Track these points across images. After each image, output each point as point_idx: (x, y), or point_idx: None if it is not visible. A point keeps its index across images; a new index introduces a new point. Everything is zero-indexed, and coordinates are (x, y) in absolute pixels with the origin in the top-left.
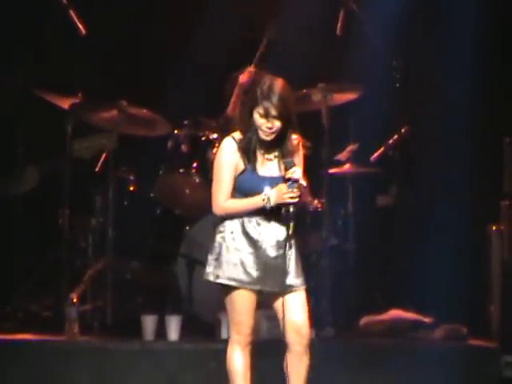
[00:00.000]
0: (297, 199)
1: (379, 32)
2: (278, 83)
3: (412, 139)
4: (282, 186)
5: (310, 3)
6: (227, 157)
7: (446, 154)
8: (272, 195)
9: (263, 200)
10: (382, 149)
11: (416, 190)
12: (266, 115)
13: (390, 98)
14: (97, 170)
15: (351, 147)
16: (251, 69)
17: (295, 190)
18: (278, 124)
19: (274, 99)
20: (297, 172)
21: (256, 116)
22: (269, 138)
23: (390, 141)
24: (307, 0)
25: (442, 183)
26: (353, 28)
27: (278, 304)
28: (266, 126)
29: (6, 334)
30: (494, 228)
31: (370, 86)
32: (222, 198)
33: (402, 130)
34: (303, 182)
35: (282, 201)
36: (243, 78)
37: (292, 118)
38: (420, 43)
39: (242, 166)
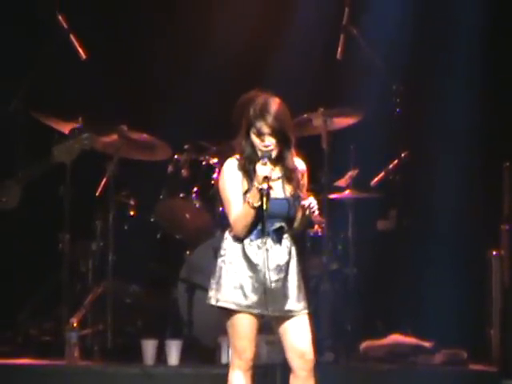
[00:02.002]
0: (269, 171)
1: (379, 57)
2: (272, 101)
3: (412, 164)
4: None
5: (311, 28)
6: (231, 174)
7: (446, 179)
8: (251, 193)
9: (248, 203)
10: (382, 173)
11: (416, 215)
12: (260, 134)
13: (390, 123)
14: (97, 194)
15: (351, 173)
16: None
17: (266, 162)
18: (273, 141)
19: (267, 117)
20: (269, 147)
21: (252, 136)
22: (264, 173)
23: (390, 165)
24: (308, 25)
25: (442, 208)
26: (353, 53)
27: (280, 328)
28: (262, 144)
29: (6, 359)
30: (493, 252)
31: (369, 110)
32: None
33: (402, 155)
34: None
35: (260, 182)
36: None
37: (288, 135)
38: (420, 68)
39: (245, 187)
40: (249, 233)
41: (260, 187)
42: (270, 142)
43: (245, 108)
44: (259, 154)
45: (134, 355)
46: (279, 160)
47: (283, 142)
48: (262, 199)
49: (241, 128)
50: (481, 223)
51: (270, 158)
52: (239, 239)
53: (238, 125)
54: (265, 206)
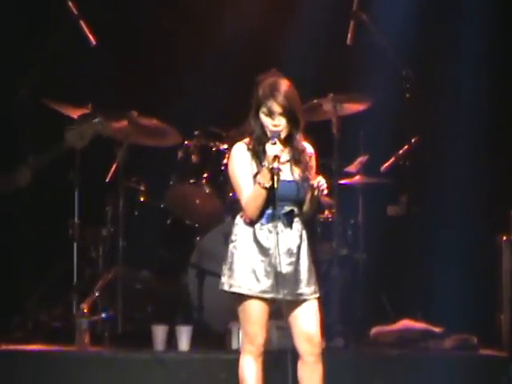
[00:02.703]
0: (279, 150)
1: (389, 42)
2: (280, 81)
3: (422, 149)
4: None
5: (321, 14)
6: (239, 157)
7: (456, 164)
8: (261, 174)
9: (258, 184)
10: (392, 159)
11: (426, 200)
12: (270, 113)
13: (400, 109)
14: (107, 180)
15: (361, 158)
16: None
17: (276, 142)
18: (283, 120)
19: (277, 96)
20: (279, 127)
21: (262, 116)
22: (274, 152)
23: (401, 151)
24: (317, 10)
25: (452, 193)
26: (363, 38)
27: (290, 313)
28: (272, 123)
29: (16, 344)
30: (504, 238)
31: (379, 96)
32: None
33: (413, 141)
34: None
35: (270, 162)
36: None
37: (298, 115)
38: (430, 53)
39: (254, 169)
40: (261, 215)
41: (270, 166)
42: (279, 122)
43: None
44: (269, 134)
45: (145, 341)
46: (288, 142)
47: (293, 122)
48: (272, 179)
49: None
50: (490, 209)
51: (279, 138)
52: (250, 223)
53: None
54: (275, 185)
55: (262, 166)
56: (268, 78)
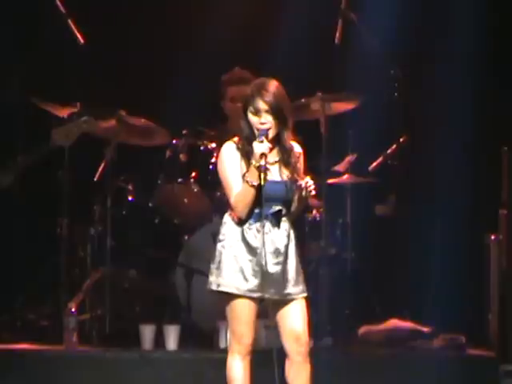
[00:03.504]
0: (266, 148)
1: (377, 41)
2: (269, 81)
3: (410, 149)
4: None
5: (309, 12)
6: (229, 156)
7: (445, 163)
8: (250, 172)
9: (247, 183)
10: (380, 158)
11: (414, 200)
12: (257, 111)
13: (389, 108)
14: (95, 179)
15: (350, 158)
16: (236, 69)
17: (263, 140)
18: (269, 118)
19: (264, 94)
20: (267, 125)
21: (250, 116)
22: (261, 149)
23: (389, 150)
24: (306, 9)
25: (441, 192)
26: (351, 37)
27: (277, 313)
28: (259, 121)
29: (4, 344)
30: (492, 237)
31: (368, 95)
32: None
33: (401, 140)
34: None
35: (257, 160)
36: (226, 76)
37: (285, 114)
38: (418, 52)
39: (244, 169)
40: (250, 214)
41: (258, 164)
42: (266, 120)
43: (226, 86)
44: (256, 133)
45: (132, 340)
46: (276, 142)
47: (280, 121)
48: (260, 177)
49: (228, 109)
50: (479, 208)
51: (266, 137)
52: (239, 223)
53: (223, 104)
54: (262, 182)
55: (249, 166)
56: (231, 76)
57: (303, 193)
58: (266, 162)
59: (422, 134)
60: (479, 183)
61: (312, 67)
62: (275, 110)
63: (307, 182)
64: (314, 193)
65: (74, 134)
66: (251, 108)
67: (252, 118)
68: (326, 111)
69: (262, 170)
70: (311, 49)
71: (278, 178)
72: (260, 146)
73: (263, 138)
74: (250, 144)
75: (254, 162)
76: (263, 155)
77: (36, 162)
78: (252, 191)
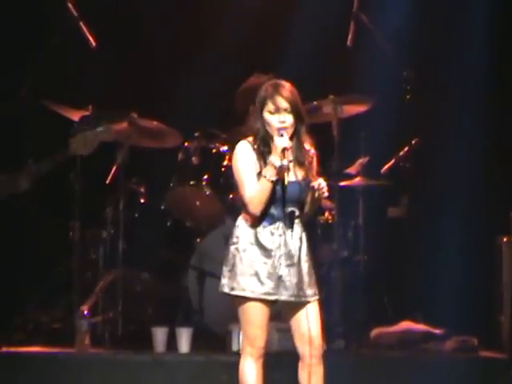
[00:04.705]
0: (287, 142)
1: (389, 44)
2: (283, 81)
3: (423, 151)
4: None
5: (321, 15)
6: (244, 155)
7: (457, 166)
8: (267, 168)
9: (264, 177)
10: (392, 161)
11: (427, 202)
12: (277, 109)
13: (401, 110)
14: (108, 182)
15: (362, 160)
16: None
17: (284, 134)
18: (289, 118)
19: (283, 92)
20: (286, 123)
21: (267, 115)
22: (283, 143)
23: (401, 153)
24: (318, 12)
25: (453, 194)
26: (363, 40)
27: (290, 315)
28: (279, 120)
29: (16, 346)
30: (504, 239)
31: (380, 97)
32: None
33: (413, 142)
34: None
35: (277, 156)
36: (245, 84)
37: (303, 115)
38: (431, 54)
39: (258, 169)
40: (264, 214)
41: (280, 163)
42: (285, 118)
43: (248, 93)
44: (274, 132)
45: (145, 343)
46: (292, 144)
47: (298, 120)
48: (279, 174)
49: (245, 114)
50: (491, 210)
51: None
52: (252, 224)
53: (243, 111)
54: (285, 181)
55: (267, 163)
56: (249, 82)
57: (316, 194)
58: (288, 159)
59: (434, 135)
60: (491, 185)
61: (324, 70)
62: (294, 108)
63: (320, 183)
64: (326, 194)
65: (93, 144)
66: (269, 107)
67: (270, 117)
68: (338, 114)
69: (285, 166)
70: (323, 51)
71: (293, 178)
72: (281, 141)
73: (284, 132)
74: (266, 145)
75: (272, 158)
76: (285, 149)
77: (51, 170)
78: (269, 187)
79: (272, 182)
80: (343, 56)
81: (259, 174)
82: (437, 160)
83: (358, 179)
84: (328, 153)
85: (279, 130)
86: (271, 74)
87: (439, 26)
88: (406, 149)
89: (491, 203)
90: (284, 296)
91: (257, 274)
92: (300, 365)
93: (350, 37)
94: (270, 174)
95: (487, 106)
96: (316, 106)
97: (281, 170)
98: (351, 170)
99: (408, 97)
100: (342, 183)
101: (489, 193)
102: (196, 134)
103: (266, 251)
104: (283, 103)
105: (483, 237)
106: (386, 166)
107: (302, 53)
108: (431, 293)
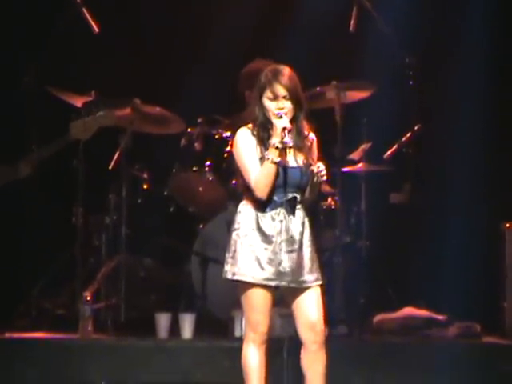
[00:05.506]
0: (287, 122)
1: (392, 29)
2: (283, 67)
3: (425, 136)
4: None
5: (323, 0)
6: (245, 141)
7: (460, 152)
8: (269, 150)
9: (267, 159)
10: (395, 147)
11: (429, 188)
12: (275, 96)
13: (403, 96)
14: (110, 168)
15: (364, 146)
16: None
17: (282, 115)
18: (287, 104)
19: (281, 78)
20: (284, 110)
21: (266, 102)
22: (283, 124)
23: (403, 138)
24: None
25: (456, 180)
26: (366, 25)
27: (292, 301)
28: (277, 107)
29: (19, 332)
30: (507, 225)
31: (383, 83)
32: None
33: (415, 128)
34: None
35: (279, 138)
36: (248, 67)
37: (301, 101)
38: (433, 40)
39: (259, 155)
40: (271, 196)
41: (280, 142)
42: (283, 105)
43: (250, 77)
44: (272, 118)
45: (148, 329)
46: (291, 129)
47: (297, 106)
48: (281, 154)
49: (248, 98)
50: (494, 196)
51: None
52: (258, 208)
53: (245, 94)
54: (287, 159)
55: (267, 148)
56: (252, 67)
57: (315, 178)
58: (289, 137)
59: (436, 121)
60: (494, 171)
61: (327, 56)
62: (293, 95)
63: (319, 166)
64: (325, 178)
65: (92, 128)
66: (268, 93)
67: (269, 103)
68: (340, 99)
69: (287, 143)
70: (326, 37)
71: (294, 164)
72: (281, 121)
73: (282, 114)
74: (265, 130)
75: (273, 139)
76: (285, 129)
77: (52, 155)
78: (273, 169)
79: (275, 163)
80: (346, 42)
81: (261, 159)
82: (439, 146)
83: (360, 165)
84: (331, 138)
85: (277, 113)
86: (272, 60)
87: (442, 11)
88: (409, 135)
89: (494, 189)
90: (284, 282)
91: (257, 260)
92: (302, 351)
93: (352, 22)
94: (272, 155)
95: (489, 91)
96: (319, 92)
97: (283, 149)
98: (354, 155)
99: (410, 82)
100: (345, 169)
101: (491, 178)
102: (199, 120)
103: (267, 237)
104: (281, 90)
105: (486, 223)
106: (389, 152)
107: (305, 38)
108: (434, 278)
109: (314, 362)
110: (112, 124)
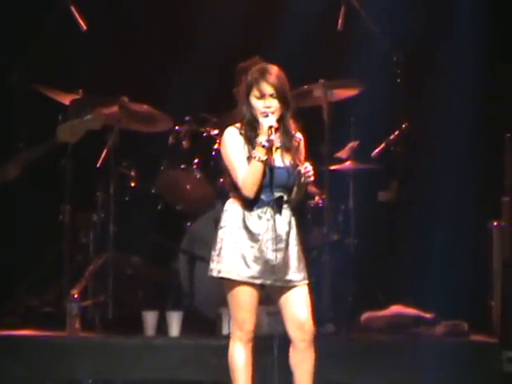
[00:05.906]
0: (273, 120)
1: (380, 28)
2: (270, 66)
3: (413, 135)
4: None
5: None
6: (232, 140)
7: (447, 150)
8: (256, 149)
9: (254, 158)
10: (382, 145)
11: (417, 186)
12: (262, 95)
13: (391, 94)
14: (98, 165)
15: (352, 144)
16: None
17: (268, 114)
18: (274, 102)
19: (268, 77)
20: (271, 108)
21: (253, 100)
22: (269, 122)
23: (391, 137)
24: None
25: (444, 179)
26: (354, 24)
27: (280, 299)
28: (264, 106)
29: (7, 330)
30: (494, 224)
31: (370, 82)
32: None
33: (403, 126)
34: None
35: (265, 134)
36: (243, 64)
37: (289, 99)
38: (421, 38)
39: (246, 154)
40: (258, 195)
41: (266, 140)
42: (270, 103)
43: (242, 73)
44: (259, 117)
45: (135, 326)
46: (278, 128)
47: (284, 105)
48: (267, 152)
49: (236, 95)
50: (481, 194)
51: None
52: (246, 206)
53: (236, 91)
54: (273, 156)
55: (256, 144)
56: (249, 64)
57: (302, 179)
58: (275, 135)
59: (424, 120)
60: (482, 170)
61: (314, 54)
62: (279, 94)
63: (306, 167)
64: (312, 179)
65: (80, 132)
66: (255, 92)
67: (256, 102)
68: (328, 98)
69: (273, 141)
70: (314, 36)
71: (281, 164)
72: (267, 120)
73: (268, 112)
74: (253, 129)
75: (260, 138)
76: (271, 128)
77: (39, 158)
78: (260, 167)
79: (262, 162)
80: (334, 40)
81: (249, 159)
82: (427, 144)
83: (348, 163)
84: (318, 137)
85: (264, 112)
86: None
87: (430, 9)
88: (396, 133)
89: (482, 188)
90: (270, 280)
91: (243, 258)
92: (291, 349)
93: (340, 21)
94: (259, 154)
95: (477, 89)
96: (306, 90)
97: (270, 147)
98: (341, 154)
99: (398, 81)
100: (333, 167)
101: (480, 177)
102: (186, 118)
103: (253, 235)
104: (268, 89)
105: (474, 221)
106: (376, 150)
107: (293, 37)
108: (421, 277)
109: (302, 361)
110: (99, 127)
